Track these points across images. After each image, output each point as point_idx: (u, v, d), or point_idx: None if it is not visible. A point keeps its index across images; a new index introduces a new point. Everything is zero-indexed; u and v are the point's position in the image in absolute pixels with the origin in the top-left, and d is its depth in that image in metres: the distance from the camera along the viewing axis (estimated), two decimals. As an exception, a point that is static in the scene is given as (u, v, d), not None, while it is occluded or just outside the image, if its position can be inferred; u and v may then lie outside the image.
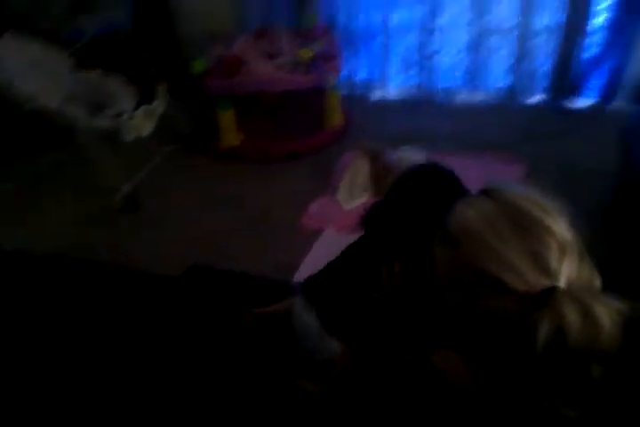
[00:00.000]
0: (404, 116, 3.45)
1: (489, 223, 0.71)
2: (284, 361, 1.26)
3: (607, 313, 0.64)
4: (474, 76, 3.42)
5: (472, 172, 2.67)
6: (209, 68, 2.96)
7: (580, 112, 3.27)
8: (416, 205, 1.10)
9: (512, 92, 3.40)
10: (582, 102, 3.30)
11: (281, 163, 3.10)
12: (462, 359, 0.86)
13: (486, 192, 0.78)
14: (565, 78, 3.22)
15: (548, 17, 3.13)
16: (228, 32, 3.29)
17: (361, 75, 3.66)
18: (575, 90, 3.25)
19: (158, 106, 3.06)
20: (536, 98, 3.40)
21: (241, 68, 2.91)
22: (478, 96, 3.48)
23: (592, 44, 3.11)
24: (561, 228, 0.71)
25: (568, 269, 0.68)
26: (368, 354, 1.21)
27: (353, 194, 2.71)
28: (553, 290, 0.66)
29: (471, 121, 3.33)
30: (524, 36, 3.20)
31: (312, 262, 2.41)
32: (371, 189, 2.73)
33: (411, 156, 2.86)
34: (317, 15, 3.34)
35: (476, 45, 3.32)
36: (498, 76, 3.42)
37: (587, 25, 3.06)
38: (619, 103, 3.21)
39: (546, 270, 0.68)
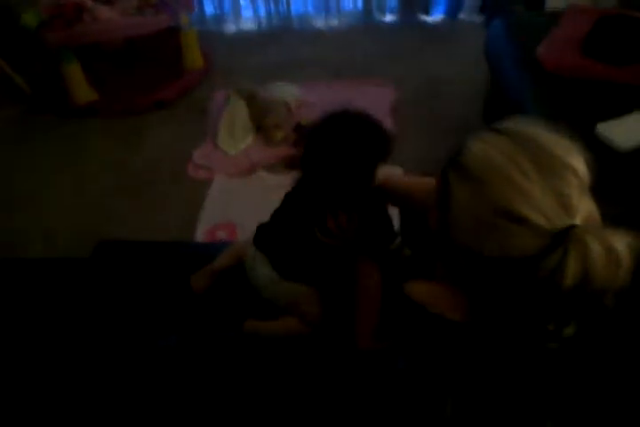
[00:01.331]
0: (264, 47, 3.33)
1: (512, 161, 0.70)
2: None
3: (625, 247, 0.66)
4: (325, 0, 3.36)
5: (347, 97, 2.74)
6: (44, 19, 2.61)
7: (432, 27, 3.37)
8: (349, 150, 1.11)
9: (366, 13, 3.41)
10: (433, 18, 3.40)
11: (148, 114, 2.90)
12: (445, 289, 0.87)
13: (497, 128, 0.76)
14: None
15: None
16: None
17: (209, 9, 3.44)
18: (424, 6, 3.32)
19: (-10, 68, 2.71)
20: (389, 17, 3.43)
21: (83, 16, 2.60)
22: (334, 20, 3.45)
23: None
24: (581, 166, 0.72)
25: (585, 207, 0.70)
26: (336, 292, 1.25)
27: (235, 138, 2.63)
28: (574, 227, 0.67)
29: (332, 45, 3.31)
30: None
31: (210, 213, 2.35)
32: (253, 130, 2.68)
33: (285, 90, 2.82)
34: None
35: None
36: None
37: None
38: (465, 16, 3.35)
39: (567, 209, 0.69)
